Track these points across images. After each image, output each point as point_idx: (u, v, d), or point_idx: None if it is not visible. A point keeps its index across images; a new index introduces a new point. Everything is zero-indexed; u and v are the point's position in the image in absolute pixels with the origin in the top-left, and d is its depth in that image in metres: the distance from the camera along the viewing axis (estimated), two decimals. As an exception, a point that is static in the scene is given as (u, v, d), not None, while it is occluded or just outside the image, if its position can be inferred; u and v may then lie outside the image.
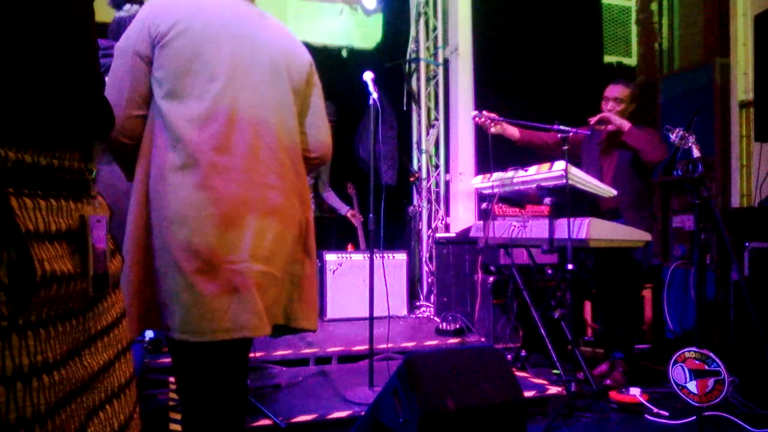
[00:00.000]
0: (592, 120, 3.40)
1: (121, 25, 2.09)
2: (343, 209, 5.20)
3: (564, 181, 3.05)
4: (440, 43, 5.61)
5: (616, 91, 3.49)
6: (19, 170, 0.60)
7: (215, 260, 1.38)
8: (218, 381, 1.50)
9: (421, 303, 5.31)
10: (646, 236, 3.18)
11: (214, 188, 1.40)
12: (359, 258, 4.79)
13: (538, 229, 3.30)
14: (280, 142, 1.54)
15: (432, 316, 4.93)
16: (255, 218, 1.46)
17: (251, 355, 3.38)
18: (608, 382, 3.22)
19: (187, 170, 1.40)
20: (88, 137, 0.71)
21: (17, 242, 0.57)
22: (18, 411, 0.56)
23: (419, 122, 5.74)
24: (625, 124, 3.35)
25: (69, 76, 0.67)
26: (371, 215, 3.05)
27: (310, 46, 6.79)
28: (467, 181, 5.12)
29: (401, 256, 4.94)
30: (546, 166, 3.21)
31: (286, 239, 1.54)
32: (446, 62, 5.57)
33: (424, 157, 5.65)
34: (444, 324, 4.24)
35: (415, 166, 5.77)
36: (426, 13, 5.68)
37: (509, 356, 3.47)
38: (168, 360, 3.28)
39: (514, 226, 3.46)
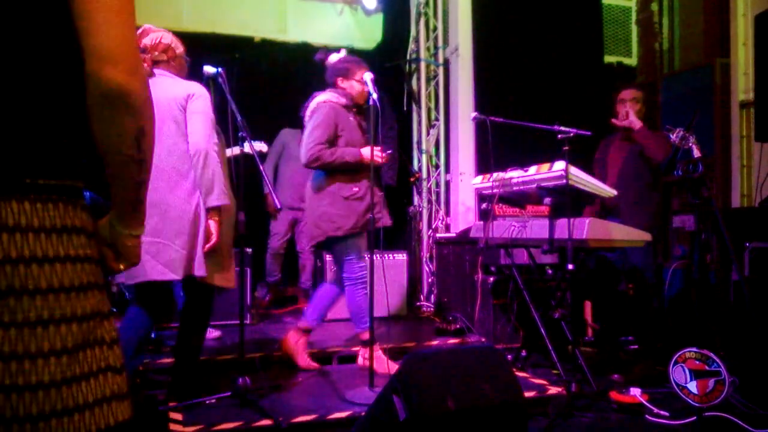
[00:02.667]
0: (619, 123, 3.72)
1: None
2: None
3: (564, 181, 3.05)
4: (440, 43, 5.61)
5: (632, 93, 3.86)
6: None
7: None
8: (151, 300, 2.58)
9: (421, 303, 5.31)
10: (646, 236, 3.18)
11: None
12: (359, 258, 4.78)
13: (538, 229, 3.29)
14: (160, 159, 2.39)
15: (432, 316, 4.93)
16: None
17: (251, 354, 3.41)
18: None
19: None
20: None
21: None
22: None
23: (419, 122, 5.74)
24: (637, 123, 3.65)
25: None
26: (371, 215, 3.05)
27: (310, 46, 6.70)
28: (467, 182, 5.11)
29: (401, 256, 4.93)
30: (546, 166, 3.21)
31: (168, 220, 2.41)
32: (446, 62, 5.56)
33: (424, 157, 5.65)
34: (444, 324, 4.24)
35: (416, 166, 5.77)
36: (426, 13, 5.68)
37: (509, 356, 3.47)
38: (168, 360, 3.28)
39: (514, 226, 3.46)
